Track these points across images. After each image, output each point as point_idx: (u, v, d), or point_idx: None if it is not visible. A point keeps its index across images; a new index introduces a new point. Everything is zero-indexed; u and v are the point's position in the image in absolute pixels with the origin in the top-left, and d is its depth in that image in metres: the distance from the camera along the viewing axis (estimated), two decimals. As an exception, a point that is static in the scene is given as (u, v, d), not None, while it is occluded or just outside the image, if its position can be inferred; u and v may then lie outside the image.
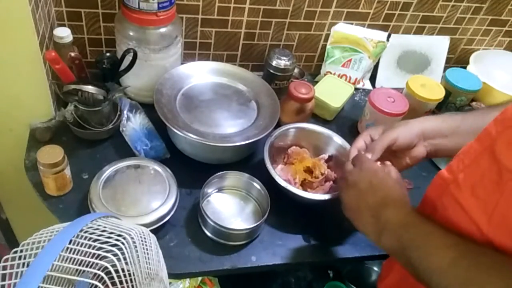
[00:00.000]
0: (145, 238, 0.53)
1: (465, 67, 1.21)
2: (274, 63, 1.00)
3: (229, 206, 0.81)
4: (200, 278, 1.11)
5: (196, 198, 0.81)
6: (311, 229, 0.81)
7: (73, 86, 0.80)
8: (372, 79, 1.21)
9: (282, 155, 0.89)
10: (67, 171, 0.75)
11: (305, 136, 0.90)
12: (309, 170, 0.85)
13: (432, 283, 0.47)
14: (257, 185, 0.80)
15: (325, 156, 0.88)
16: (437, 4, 1.13)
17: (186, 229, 0.77)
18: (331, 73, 1.14)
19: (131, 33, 0.88)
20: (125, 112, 0.89)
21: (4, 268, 0.43)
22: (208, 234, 0.76)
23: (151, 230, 0.59)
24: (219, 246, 0.75)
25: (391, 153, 0.70)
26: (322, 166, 0.85)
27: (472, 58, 1.23)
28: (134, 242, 0.49)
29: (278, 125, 0.88)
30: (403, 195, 0.59)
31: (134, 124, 0.89)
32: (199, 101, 0.89)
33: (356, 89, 1.15)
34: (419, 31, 1.19)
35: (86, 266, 0.46)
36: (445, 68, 1.18)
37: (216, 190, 0.83)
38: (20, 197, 1.00)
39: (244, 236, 0.76)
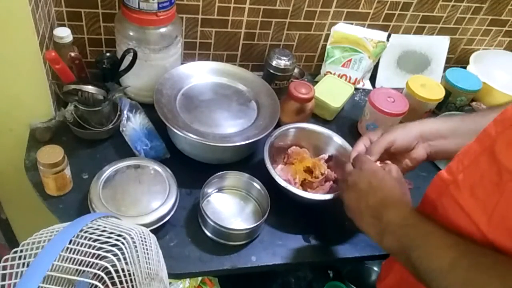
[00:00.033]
0: (145, 238, 0.53)
1: (465, 67, 1.21)
2: (274, 63, 1.00)
3: (229, 206, 0.81)
4: (200, 278, 1.11)
5: (196, 198, 0.81)
6: (311, 229, 0.81)
7: (73, 86, 0.80)
8: (372, 79, 1.21)
9: (282, 155, 0.89)
10: (67, 171, 0.75)
11: (305, 136, 0.90)
12: (309, 170, 0.85)
13: (432, 283, 0.47)
14: (257, 185, 0.80)
15: (325, 156, 0.88)
16: (437, 4, 1.13)
17: (186, 229, 0.77)
18: (331, 73, 1.14)
19: (131, 33, 0.88)
20: (125, 112, 0.89)
21: (4, 268, 0.43)
22: (208, 234, 0.76)
23: (151, 230, 0.59)
24: (219, 246, 0.75)
25: (391, 156, 0.70)
26: (322, 166, 0.85)
27: (472, 58, 1.23)
28: (134, 242, 0.49)
29: (278, 125, 0.88)
30: (403, 195, 0.59)
31: (134, 124, 0.89)
32: (199, 101, 0.89)
33: (356, 89, 1.15)
34: (419, 31, 1.19)
35: (86, 266, 0.46)
36: (445, 68, 1.18)
37: (216, 190, 0.83)
38: (20, 197, 1.00)
39: (244, 236, 0.76)
